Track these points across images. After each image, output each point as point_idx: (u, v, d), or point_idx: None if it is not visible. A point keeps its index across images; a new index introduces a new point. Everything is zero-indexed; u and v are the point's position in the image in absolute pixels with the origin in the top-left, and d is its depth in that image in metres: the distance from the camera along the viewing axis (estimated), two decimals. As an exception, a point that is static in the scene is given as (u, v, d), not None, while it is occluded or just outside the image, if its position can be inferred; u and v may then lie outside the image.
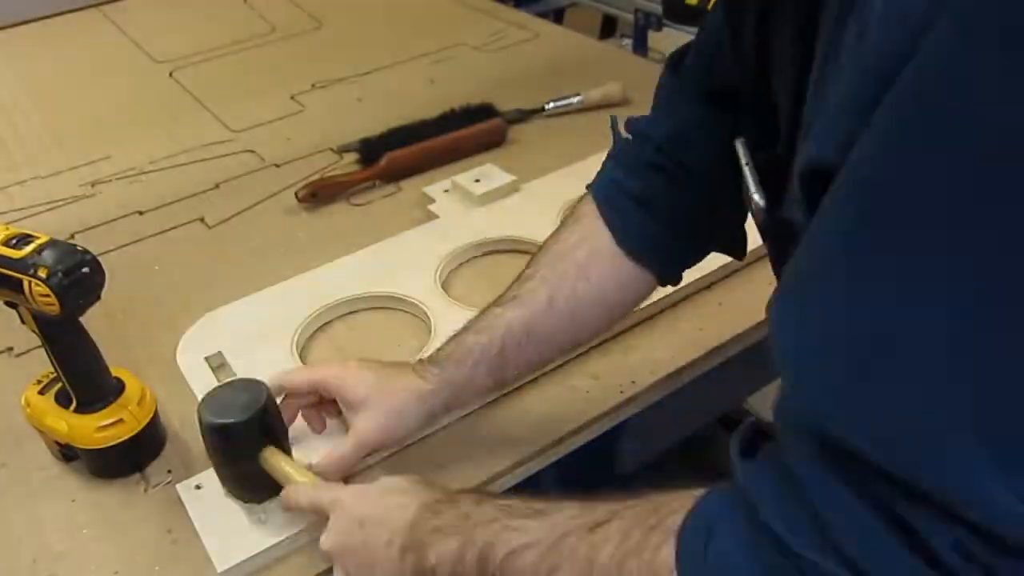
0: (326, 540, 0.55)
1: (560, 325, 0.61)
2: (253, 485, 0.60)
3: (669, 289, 0.78)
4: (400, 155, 1.02)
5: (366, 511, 0.54)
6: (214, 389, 0.61)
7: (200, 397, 0.67)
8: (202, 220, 0.98)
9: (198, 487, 0.64)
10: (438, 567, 0.49)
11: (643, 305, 0.77)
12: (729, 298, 0.80)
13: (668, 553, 0.38)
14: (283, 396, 0.64)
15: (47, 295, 0.57)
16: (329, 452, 0.61)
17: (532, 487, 0.69)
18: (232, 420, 0.58)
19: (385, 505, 0.54)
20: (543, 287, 0.61)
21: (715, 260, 0.81)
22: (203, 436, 0.60)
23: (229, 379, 0.66)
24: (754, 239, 0.84)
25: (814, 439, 0.33)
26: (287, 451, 0.62)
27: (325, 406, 0.66)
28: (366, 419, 0.60)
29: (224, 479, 0.62)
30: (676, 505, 0.39)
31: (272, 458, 0.59)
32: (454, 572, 0.48)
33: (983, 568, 0.31)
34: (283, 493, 0.58)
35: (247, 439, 0.59)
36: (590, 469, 0.76)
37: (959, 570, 0.31)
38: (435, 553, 0.49)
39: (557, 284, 0.61)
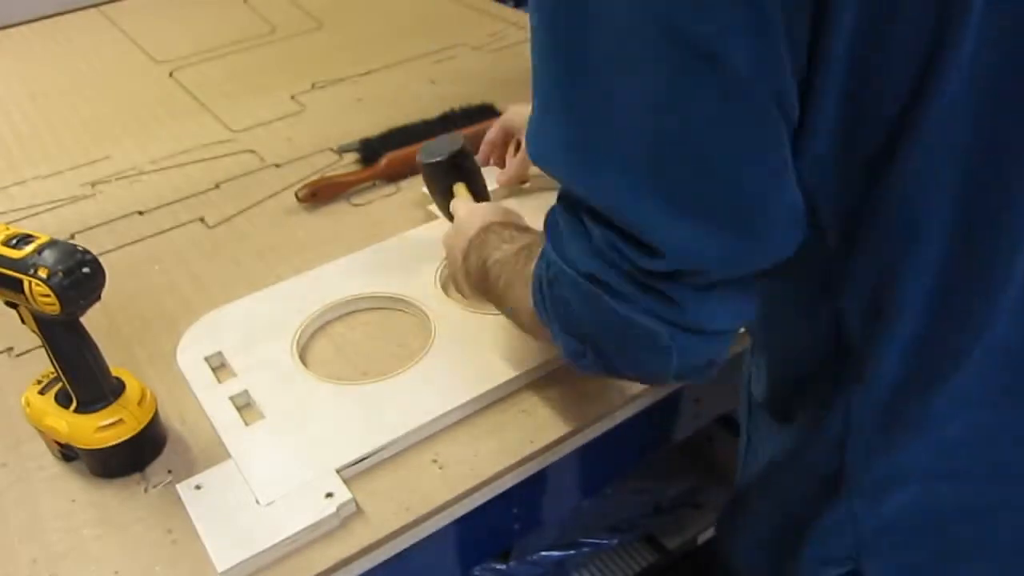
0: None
1: None
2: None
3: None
4: (400, 155, 1.02)
5: (459, 222, 0.73)
6: (433, 140, 0.83)
7: (200, 397, 0.72)
8: (202, 220, 0.98)
9: (198, 487, 0.64)
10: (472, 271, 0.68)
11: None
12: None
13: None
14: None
15: (47, 295, 0.57)
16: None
17: (533, 487, 0.69)
18: (433, 160, 0.80)
19: (469, 220, 0.71)
20: None
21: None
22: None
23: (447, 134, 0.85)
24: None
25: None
26: (479, 189, 0.81)
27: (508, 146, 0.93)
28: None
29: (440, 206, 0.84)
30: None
31: (459, 191, 0.80)
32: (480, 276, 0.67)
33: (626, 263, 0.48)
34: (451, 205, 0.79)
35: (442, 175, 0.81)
36: (590, 468, 0.77)
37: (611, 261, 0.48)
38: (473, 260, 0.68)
39: None
